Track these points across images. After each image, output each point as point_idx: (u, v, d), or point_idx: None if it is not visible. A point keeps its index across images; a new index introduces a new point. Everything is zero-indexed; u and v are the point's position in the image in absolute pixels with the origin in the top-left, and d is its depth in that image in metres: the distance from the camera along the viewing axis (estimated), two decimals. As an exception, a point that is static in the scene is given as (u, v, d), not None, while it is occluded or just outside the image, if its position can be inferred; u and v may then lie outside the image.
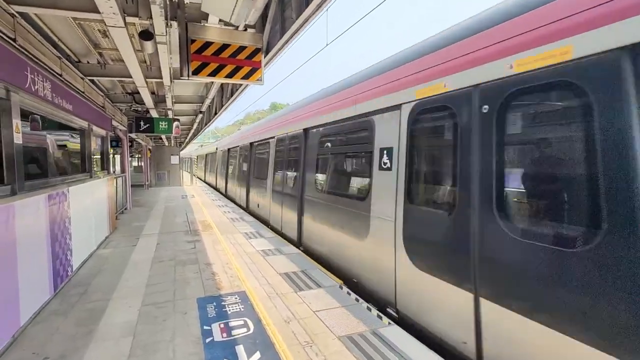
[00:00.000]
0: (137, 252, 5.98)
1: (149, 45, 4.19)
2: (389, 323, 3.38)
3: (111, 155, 11.35)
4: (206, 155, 26.58)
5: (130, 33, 4.08)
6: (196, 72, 3.55)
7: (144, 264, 5.26)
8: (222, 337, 3.11)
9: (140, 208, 11.45)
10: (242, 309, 3.69)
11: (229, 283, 4.47)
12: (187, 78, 3.54)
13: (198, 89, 9.65)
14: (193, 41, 3.50)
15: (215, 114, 10.67)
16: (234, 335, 3.14)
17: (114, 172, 10.57)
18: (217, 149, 19.32)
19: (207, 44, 3.56)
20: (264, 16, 4.23)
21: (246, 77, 3.75)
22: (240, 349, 2.92)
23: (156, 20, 3.62)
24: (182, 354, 2.85)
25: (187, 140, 24.36)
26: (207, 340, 3.06)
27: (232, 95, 8.12)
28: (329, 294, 4.12)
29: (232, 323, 3.38)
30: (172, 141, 20.50)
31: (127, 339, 3.08)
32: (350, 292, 4.17)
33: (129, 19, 3.81)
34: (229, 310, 3.66)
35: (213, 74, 3.61)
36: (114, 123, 9.07)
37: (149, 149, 20.24)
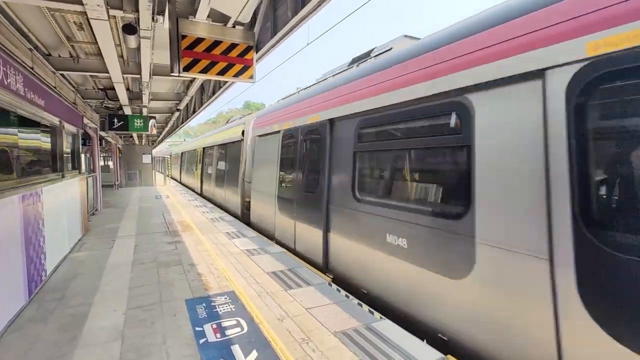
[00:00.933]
0: (115, 254, 5.75)
1: (132, 40, 4.05)
2: (381, 317, 3.46)
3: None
4: (203, 150, 15.03)
5: (110, 26, 3.93)
6: (187, 68, 3.46)
7: (123, 267, 5.06)
8: (216, 338, 3.07)
9: (112, 209, 10.97)
10: (233, 309, 3.65)
11: (217, 283, 4.40)
12: (177, 75, 3.45)
13: (175, 86, 9.36)
14: (184, 37, 3.42)
15: (194, 112, 10.41)
16: (229, 335, 3.11)
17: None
18: (244, 133, 9.33)
19: (199, 41, 3.49)
20: (254, 13, 4.19)
21: (238, 74, 3.71)
22: (236, 349, 2.90)
23: (142, 14, 3.51)
24: (176, 356, 2.79)
25: (159, 138, 23.53)
26: (201, 341, 3.01)
27: (213, 93, 7.95)
28: (318, 291, 4.15)
29: (225, 323, 3.34)
30: (144, 139, 19.76)
31: (116, 343, 2.98)
32: (339, 289, 4.22)
33: (112, 12, 3.66)
34: (220, 310, 3.62)
35: (204, 71, 3.54)
36: (85, 120, 8.64)
37: (119, 148, 19.42)
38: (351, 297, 3.98)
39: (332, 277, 4.86)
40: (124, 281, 4.48)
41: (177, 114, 11.02)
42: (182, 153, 23.67)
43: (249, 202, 8.78)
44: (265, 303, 3.82)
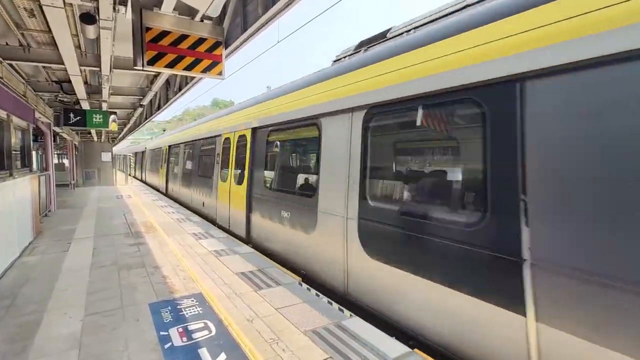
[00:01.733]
0: (71, 257, 5.39)
1: (90, 30, 3.82)
2: (351, 315, 3.51)
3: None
4: (250, 137, 6.62)
5: (66, 14, 3.68)
6: (152, 62, 3.30)
7: (81, 270, 4.76)
8: (183, 342, 2.97)
9: (68, 210, 10.29)
10: (200, 311, 3.55)
11: (183, 285, 4.26)
12: (141, 68, 3.29)
13: (138, 81, 8.93)
14: (148, 29, 3.27)
15: (159, 108, 9.99)
16: (196, 339, 3.02)
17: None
18: None
19: (164, 33, 3.34)
20: (223, 8, 4.07)
21: (206, 70, 3.59)
22: (203, 352, 2.82)
23: (102, 3, 3.32)
24: (140, 362, 2.67)
25: (121, 135, 22.37)
26: (166, 346, 2.90)
27: (180, 89, 7.67)
28: (289, 291, 4.14)
29: (192, 326, 3.24)
30: (104, 136, 18.70)
31: (73, 352, 2.80)
32: (310, 288, 4.23)
33: (69, -1, 3.44)
34: (187, 313, 3.50)
35: (170, 65, 3.39)
36: (37, 115, 8.04)
37: (75, 145, 18.24)
38: (321, 295, 4.00)
39: None
40: (81, 286, 4.22)
41: (140, 109, 10.53)
42: (169, 147, 14.84)
43: None
44: (234, 304, 3.74)
